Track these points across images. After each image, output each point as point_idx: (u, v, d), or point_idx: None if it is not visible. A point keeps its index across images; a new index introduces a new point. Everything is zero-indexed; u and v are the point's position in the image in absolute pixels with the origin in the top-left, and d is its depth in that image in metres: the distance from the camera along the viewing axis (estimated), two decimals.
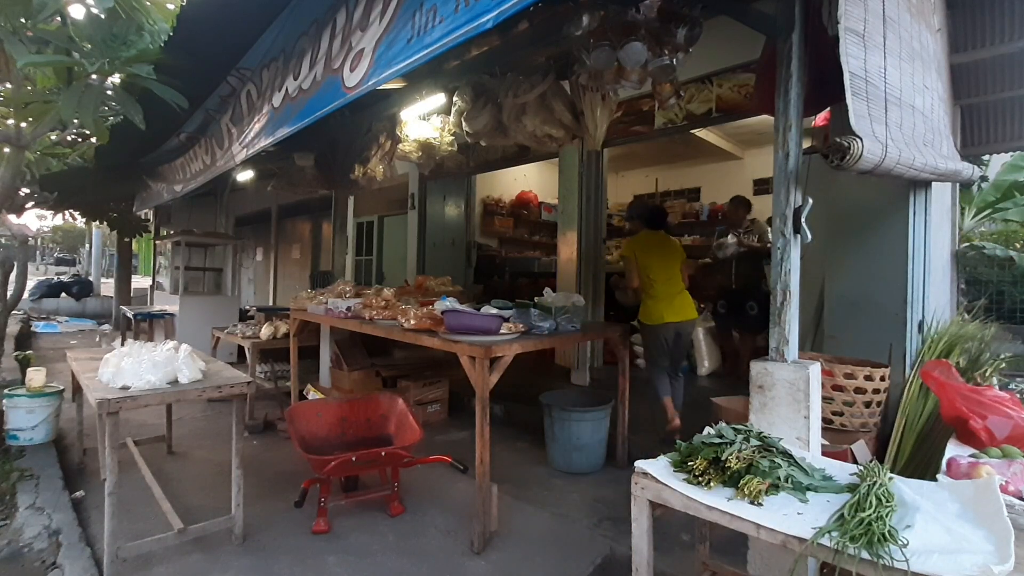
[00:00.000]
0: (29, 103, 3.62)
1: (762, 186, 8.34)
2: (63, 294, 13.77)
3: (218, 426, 4.65)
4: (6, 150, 3.95)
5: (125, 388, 2.56)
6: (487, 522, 2.77)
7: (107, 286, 15.32)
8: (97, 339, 9.72)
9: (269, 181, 6.97)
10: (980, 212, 5.74)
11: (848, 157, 1.75)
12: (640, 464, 1.67)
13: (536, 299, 3.74)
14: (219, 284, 8.23)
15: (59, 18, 3.17)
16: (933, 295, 3.12)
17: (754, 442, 1.65)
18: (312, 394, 4.88)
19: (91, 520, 2.97)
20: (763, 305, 4.92)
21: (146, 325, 7.62)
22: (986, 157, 4.90)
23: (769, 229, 5.28)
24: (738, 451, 1.59)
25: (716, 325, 5.80)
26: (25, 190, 5.80)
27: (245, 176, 7.59)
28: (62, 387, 4.14)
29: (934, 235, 3.12)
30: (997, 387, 2.63)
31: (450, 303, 3.38)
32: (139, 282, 14.40)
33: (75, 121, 3.53)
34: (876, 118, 1.91)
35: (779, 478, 1.51)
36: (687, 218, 9.26)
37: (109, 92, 3.30)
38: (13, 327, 7.64)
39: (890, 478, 1.46)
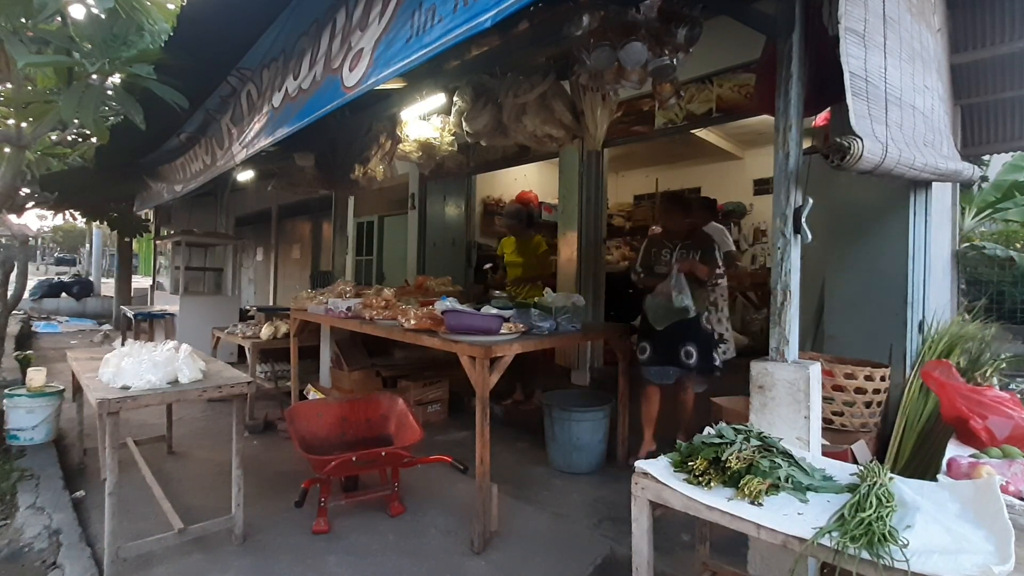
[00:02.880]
0: (29, 103, 3.62)
1: (762, 186, 8.33)
2: (63, 294, 13.78)
3: (218, 426, 4.65)
4: (6, 150, 3.95)
5: (125, 388, 2.56)
6: (487, 522, 2.77)
7: (107, 286, 15.32)
8: (97, 339, 9.72)
9: (269, 181, 6.97)
10: (980, 212, 5.73)
11: (848, 157, 1.75)
12: (640, 464, 1.67)
13: (536, 299, 3.74)
14: (219, 284, 8.23)
15: (59, 18, 3.17)
16: (933, 295, 3.12)
17: (754, 442, 1.65)
18: (312, 394, 4.88)
19: (91, 520, 2.97)
20: (702, 348, 3.50)
21: (146, 325, 7.63)
22: (986, 157, 4.89)
23: (721, 241, 4.47)
24: (738, 451, 1.59)
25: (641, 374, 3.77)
26: (25, 190, 5.80)
27: (245, 176, 7.59)
28: (62, 387, 4.14)
29: (934, 235, 3.11)
30: (997, 387, 2.63)
31: (450, 303, 3.38)
32: (139, 282, 14.40)
33: (75, 121, 3.52)
34: (876, 118, 1.91)
35: (779, 478, 1.51)
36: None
37: (109, 92, 3.30)
38: (13, 327, 7.64)
39: (890, 478, 1.46)
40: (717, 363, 3.61)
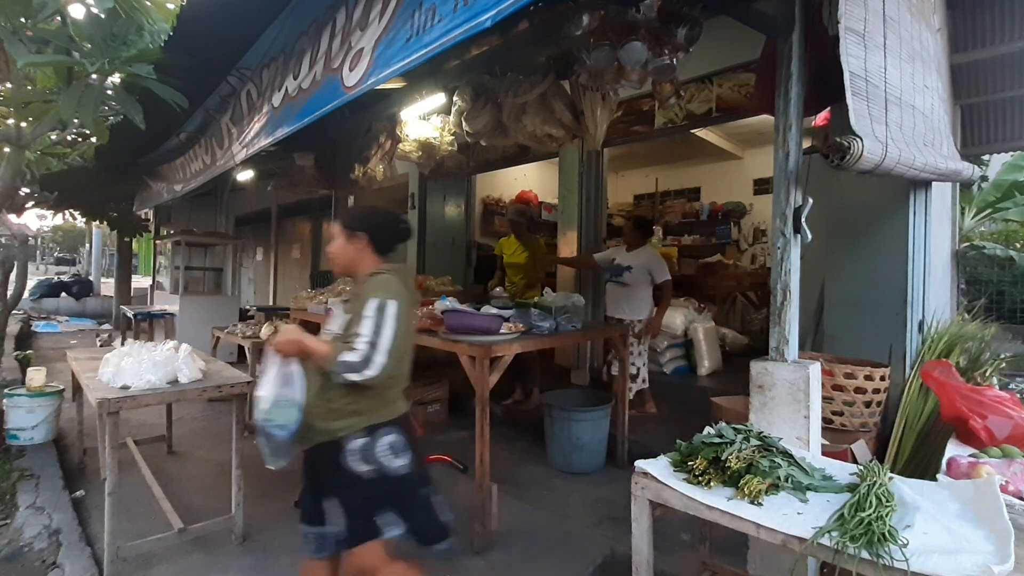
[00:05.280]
0: (29, 103, 3.61)
1: (762, 186, 8.35)
2: (63, 294, 13.77)
3: (218, 426, 4.65)
4: (6, 150, 3.95)
5: (125, 388, 2.56)
6: (487, 522, 2.76)
7: (107, 286, 15.32)
8: (97, 340, 9.71)
9: (269, 181, 6.97)
10: (980, 212, 5.73)
11: (848, 157, 1.75)
12: (640, 464, 1.67)
13: (536, 299, 3.74)
14: (219, 284, 8.22)
15: (59, 18, 3.17)
16: (933, 295, 3.12)
17: (754, 442, 1.65)
18: None
19: (91, 520, 2.97)
20: (350, 503, 1.81)
21: (146, 325, 7.62)
22: (986, 157, 4.89)
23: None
24: (738, 451, 1.59)
25: None
26: (25, 190, 5.81)
27: (245, 176, 7.59)
28: (62, 387, 4.14)
29: (934, 235, 3.11)
30: (997, 387, 2.63)
31: (450, 303, 3.38)
32: (139, 282, 14.38)
33: (75, 121, 3.52)
34: (876, 118, 1.91)
35: (779, 478, 1.51)
36: (687, 218, 9.27)
37: (109, 92, 3.29)
38: (13, 327, 7.63)
39: (890, 478, 1.46)
40: (381, 529, 1.81)
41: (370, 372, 1.72)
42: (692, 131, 5.89)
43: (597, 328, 4.10)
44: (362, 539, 1.81)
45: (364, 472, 1.80)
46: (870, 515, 1.27)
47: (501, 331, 3.01)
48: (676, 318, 5.69)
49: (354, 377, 1.72)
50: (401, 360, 1.86)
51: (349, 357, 1.72)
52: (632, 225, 4.47)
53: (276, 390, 1.77)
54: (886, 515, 1.27)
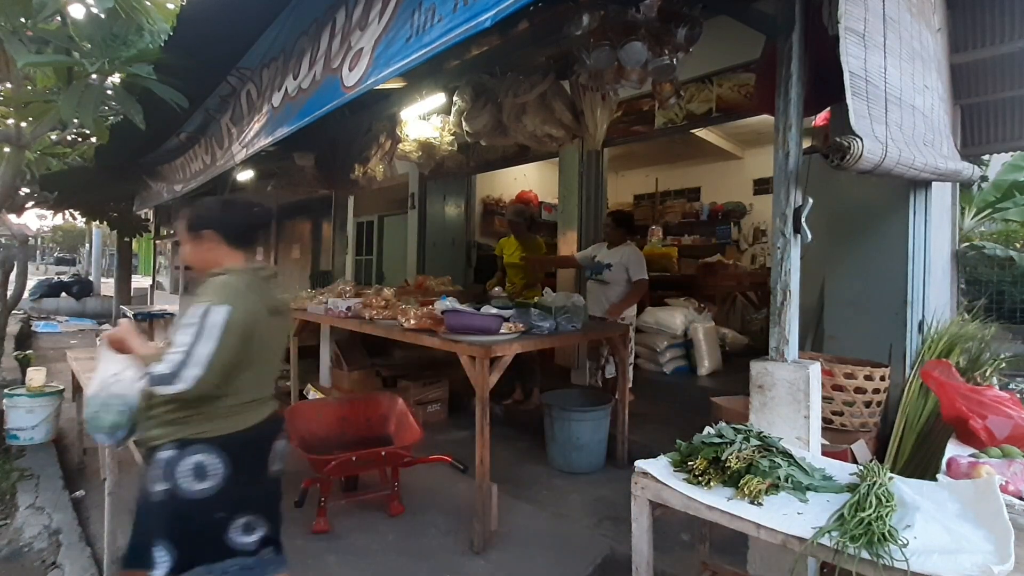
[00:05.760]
0: (29, 103, 3.61)
1: (762, 186, 8.34)
2: (63, 294, 13.75)
3: None
4: (6, 150, 3.95)
5: None
6: (487, 522, 2.77)
7: (107, 286, 15.30)
8: (97, 340, 9.71)
9: (269, 181, 6.97)
10: (980, 212, 5.74)
11: (848, 157, 1.75)
12: (640, 464, 1.67)
13: (536, 299, 3.74)
14: None
15: (59, 18, 3.17)
16: (933, 295, 3.12)
17: (754, 442, 1.65)
18: (312, 394, 4.88)
19: (91, 519, 2.97)
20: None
21: (146, 325, 7.62)
22: (986, 157, 4.89)
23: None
24: (738, 451, 1.59)
25: None
26: (25, 190, 5.80)
27: (245, 176, 7.57)
28: (62, 387, 4.14)
29: (934, 235, 3.11)
30: (997, 387, 2.63)
31: (450, 303, 3.38)
32: (139, 282, 14.38)
33: (75, 121, 3.52)
34: (876, 118, 1.91)
35: (779, 478, 1.52)
36: (687, 218, 9.27)
37: (109, 92, 3.30)
38: (13, 327, 7.63)
39: (890, 478, 1.46)
40: (153, 562, 1.62)
41: (180, 386, 1.54)
42: (692, 131, 5.89)
43: (597, 328, 4.10)
44: (133, 566, 1.69)
45: (157, 491, 1.64)
46: (870, 515, 1.27)
47: (501, 331, 3.01)
48: (676, 318, 5.69)
49: (165, 390, 1.56)
50: (233, 373, 1.66)
51: (158, 369, 1.56)
52: (612, 222, 4.45)
53: (108, 389, 1.69)
54: (886, 515, 1.27)
